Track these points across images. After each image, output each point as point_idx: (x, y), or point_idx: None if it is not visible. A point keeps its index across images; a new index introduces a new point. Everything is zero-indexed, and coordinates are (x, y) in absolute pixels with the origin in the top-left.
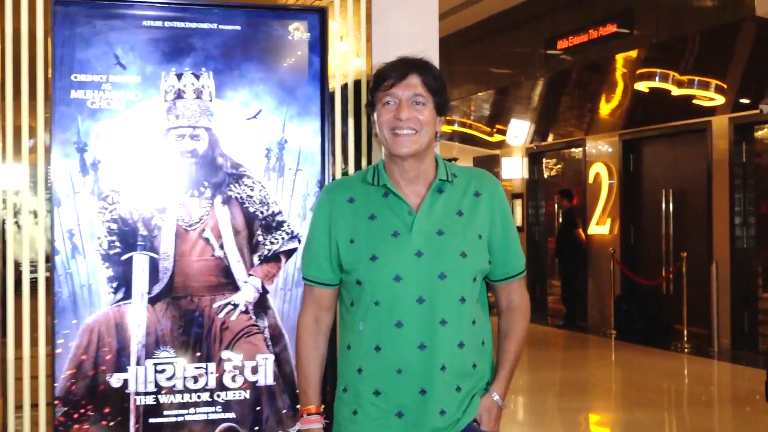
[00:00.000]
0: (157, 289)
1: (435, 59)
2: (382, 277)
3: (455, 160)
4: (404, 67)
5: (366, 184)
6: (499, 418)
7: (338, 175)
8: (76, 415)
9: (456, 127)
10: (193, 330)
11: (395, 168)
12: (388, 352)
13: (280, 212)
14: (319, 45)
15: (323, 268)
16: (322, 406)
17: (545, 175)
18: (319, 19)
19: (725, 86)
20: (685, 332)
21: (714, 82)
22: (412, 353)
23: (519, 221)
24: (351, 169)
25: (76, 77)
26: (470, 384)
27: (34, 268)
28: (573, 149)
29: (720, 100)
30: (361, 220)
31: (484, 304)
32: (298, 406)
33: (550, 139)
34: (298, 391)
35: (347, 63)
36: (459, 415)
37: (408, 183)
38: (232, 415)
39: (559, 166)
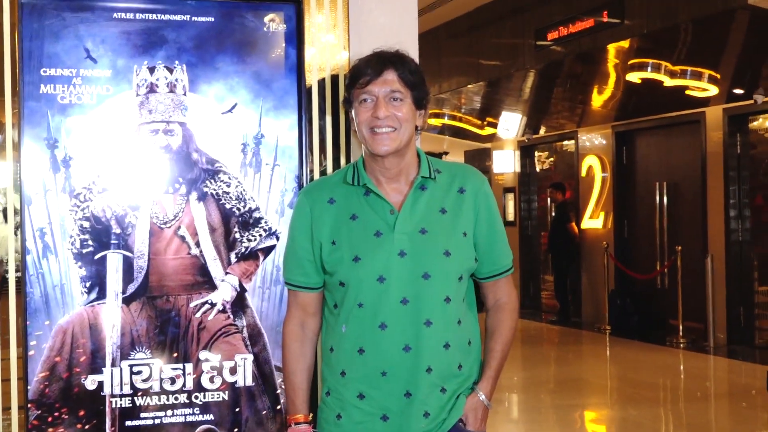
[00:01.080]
0: (131, 288)
1: (414, 52)
2: (365, 278)
3: (446, 154)
4: (379, 62)
5: (345, 184)
6: (485, 417)
7: (316, 171)
8: (50, 419)
9: (446, 121)
10: (169, 330)
11: (375, 166)
12: (372, 355)
13: (257, 209)
14: (296, 37)
15: (308, 272)
16: (311, 415)
17: (537, 169)
18: (295, 10)
19: (718, 76)
20: (681, 327)
21: (707, 72)
22: (396, 355)
23: (511, 216)
24: (330, 164)
25: (45, 71)
26: (455, 385)
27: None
28: (565, 142)
29: (713, 90)
30: (342, 220)
31: (472, 302)
32: (279, 407)
33: (542, 131)
34: (284, 401)
35: (325, 55)
36: (444, 415)
37: (389, 181)
38: (210, 416)
39: (552, 159)
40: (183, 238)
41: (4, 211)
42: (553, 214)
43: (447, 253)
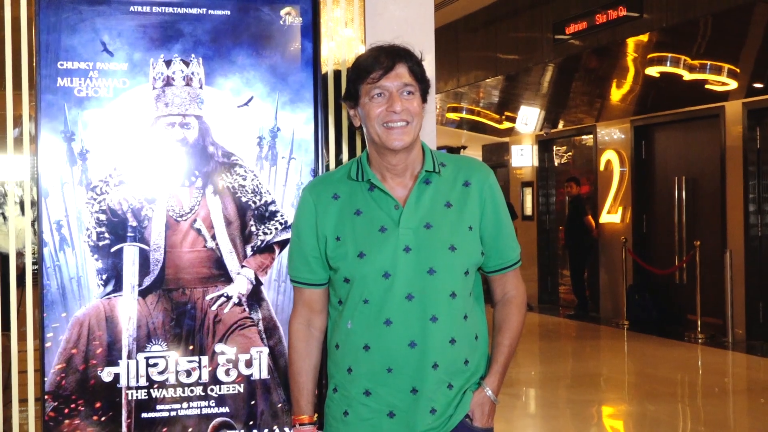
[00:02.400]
0: (147, 281)
1: (430, 45)
2: (370, 274)
3: (464, 148)
4: (390, 56)
5: (350, 180)
6: (492, 413)
7: (332, 164)
8: (66, 410)
9: (464, 115)
10: (185, 323)
11: (383, 162)
12: (378, 351)
13: (273, 202)
14: (312, 30)
15: (314, 269)
16: (315, 415)
17: (556, 163)
18: (311, 4)
19: (738, 70)
20: (699, 322)
21: (726, 66)
22: (401, 351)
23: (529, 210)
24: (345, 157)
25: (62, 65)
26: (462, 380)
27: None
28: (584, 136)
29: (733, 84)
30: (346, 216)
31: (479, 295)
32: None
33: (561, 126)
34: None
35: (341, 49)
36: (451, 411)
37: (394, 176)
38: (226, 409)
39: (570, 153)
40: (199, 231)
41: (22, 203)
42: (568, 207)
43: (452, 248)
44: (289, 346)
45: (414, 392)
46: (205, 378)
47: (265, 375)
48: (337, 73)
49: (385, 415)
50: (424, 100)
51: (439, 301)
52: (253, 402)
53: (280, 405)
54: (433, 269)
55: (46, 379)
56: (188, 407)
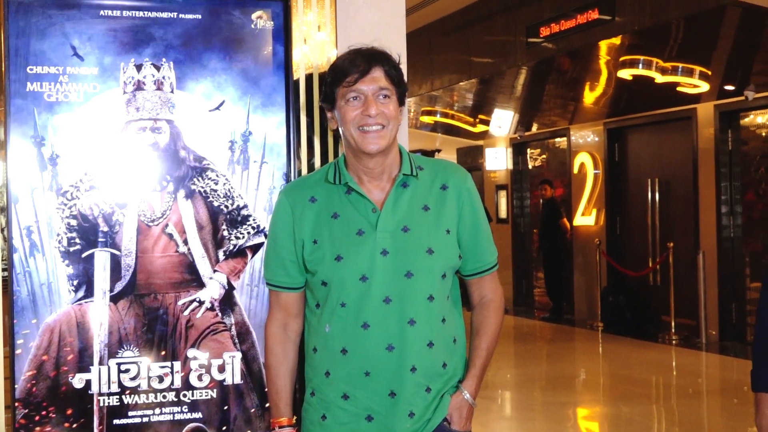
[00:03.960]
0: (119, 286)
1: (402, 49)
2: (347, 278)
3: (438, 151)
4: (366, 60)
5: (327, 183)
6: (470, 416)
7: (304, 168)
8: (37, 417)
9: (438, 118)
10: (157, 328)
11: (359, 165)
12: (355, 355)
13: (245, 206)
14: (284, 34)
15: (291, 273)
16: (294, 418)
17: (530, 166)
18: (282, 8)
19: (710, 73)
20: (673, 324)
21: (698, 68)
22: (379, 355)
23: (504, 213)
24: (318, 161)
25: (31, 69)
26: (440, 384)
27: None
28: (557, 139)
29: (704, 87)
30: (323, 219)
31: (457, 299)
32: (267, 405)
33: (534, 128)
34: (268, 405)
35: (313, 53)
36: (429, 415)
37: (371, 179)
38: (198, 415)
39: (544, 156)
40: (171, 235)
41: None
42: (541, 210)
43: (430, 251)
44: (266, 350)
45: (392, 396)
46: (178, 383)
47: (238, 380)
48: (308, 77)
49: (363, 418)
50: (401, 103)
51: (416, 304)
52: (226, 407)
53: (253, 410)
54: (411, 272)
55: (16, 386)
56: (161, 413)
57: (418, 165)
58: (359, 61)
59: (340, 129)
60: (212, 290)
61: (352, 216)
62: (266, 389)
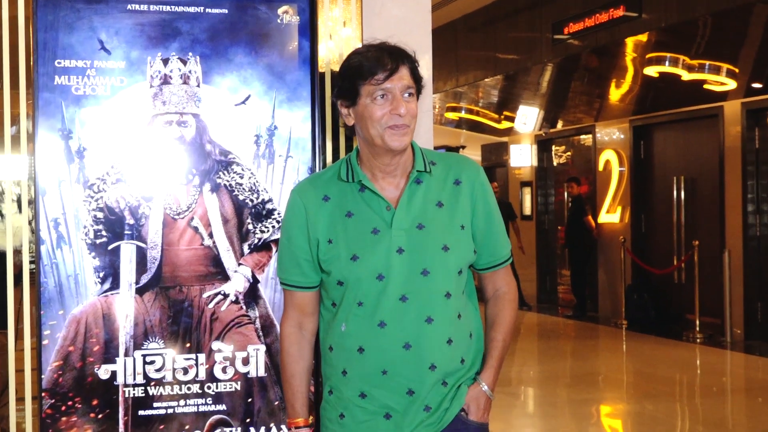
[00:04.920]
0: (145, 279)
1: (428, 44)
2: (363, 277)
3: (463, 147)
4: (393, 58)
5: (340, 181)
6: (488, 408)
7: (329, 162)
8: (63, 408)
9: (463, 114)
10: (182, 320)
11: (376, 162)
12: (372, 353)
13: (270, 200)
14: (309, 29)
15: (306, 272)
16: (311, 418)
17: (554, 163)
18: (308, 2)
19: (737, 70)
20: (697, 322)
21: (725, 66)
22: (396, 353)
23: (528, 210)
24: (342, 155)
25: (59, 63)
26: (456, 378)
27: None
28: (582, 136)
29: (732, 84)
30: (337, 218)
31: (471, 293)
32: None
33: (560, 125)
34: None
35: (339, 48)
36: (446, 405)
37: (386, 176)
38: (222, 407)
39: (569, 153)
40: (196, 229)
41: (19, 201)
42: (569, 207)
43: (446, 248)
44: (282, 350)
45: (410, 393)
46: (202, 376)
47: (262, 372)
48: (334, 73)
49: (381, 416)
50: (417, 99)
51: (433, 301)
52: (250, 399)
53: (276, 402)
54: (427, 270)
55: (43, 376)
56: (185, 405)
57: (430, 160)
58: (386, 59)
59: (356, 126)
60: (237, 283)
61: (367, 214)
62: (282, 390)
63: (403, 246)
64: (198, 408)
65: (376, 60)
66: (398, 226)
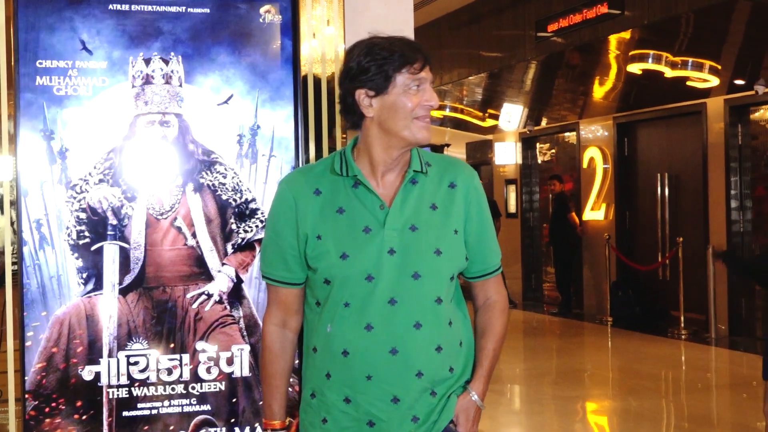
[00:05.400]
0: (128, 279)
1: None
2: (352, 276)
3: (447, 146)
4: (422, 49)
5: (333, 174)
6: (477, 419)
7: (312, 161)
8: (47, 409)
9: (448, 113)
10: (166, 321)
11: (384, 156)
12: (357, 357)
13: (253, 200)
14: (291, 28)
15: (292, 268)
16: (288, 420)
17: (539, 161)
18: (290, 2)
19: (719, 67)
20: (682, 318)
21: (708, 63)
22: (382, 358)
23: (513, 208)
24: (325, 155)
25: (41, 63)
26: (445, 388)
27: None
28: (567, 133)
29: (714, 81)
30: (328, 213)
31: (460, 300)
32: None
33: (544, 123)
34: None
35: (321, 47)
36: (435, 417)
37: (382, 174)
38: (207, 407)
39: (553, 150)
40: (179, 229)
41: (1, 202)
42: (551, 205)
43: (438, 252)
44: (263, 348)
45: (395, 401)
46: (187, 376)
47: (246, 372)
48: (316, 71)
49: (364, 424)
50: None
51: (423, 306)
52: (234, 399)
53: (261, 402)
54: (418, 273)
55: (26, 378)
56: (170, 405)
57: (426, 161)
58: (416, 49)
59: (378, 116)
60: (221, 283)
61: (359, 211)
62: (261, 389)
63: (395, 247)
64: (182, 408)
65: (411, 49)
66: (391, 226)
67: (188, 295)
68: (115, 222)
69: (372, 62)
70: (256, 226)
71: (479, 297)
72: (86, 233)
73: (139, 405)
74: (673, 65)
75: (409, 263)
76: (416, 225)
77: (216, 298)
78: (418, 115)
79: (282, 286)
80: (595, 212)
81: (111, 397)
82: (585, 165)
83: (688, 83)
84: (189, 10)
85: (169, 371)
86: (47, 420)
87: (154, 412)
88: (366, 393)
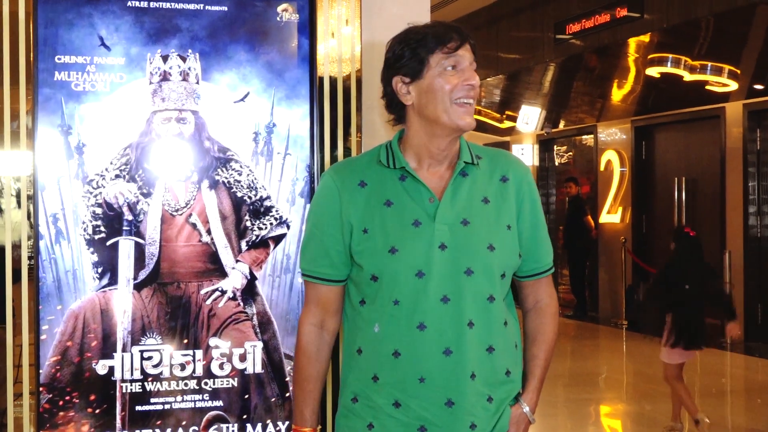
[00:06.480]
0: (143, 274)
1: None
2: (402, 272)
3: None
4: (459, 29)
5: (379, 166)
6: None
7: (327, 160)
8: (61, 402)
9: None
10: (180, 316)
11: (430, 145)
12: (409, 358)
13: (268, 197)
14: (309, 27)
15: (335, 264)
16: (319, 427)
17: (556, 163)
18: (308, 1)
19: (739, 72)
20: None
21: (727, 67)
22: (436, 359)
23: None
24: (340, 154)
25: (59, 59)
26: (503, 393)
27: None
28: (584, 136)
29: (733, 86)
30: (375, 206)
31: (511, 302)
32: (287, 394)
33: (561, 125)
34: (288, 394)
35: (339, 46)
36: (490, 427)
37: (430, 165)
38: (219, 403)
39: (570, 153)
40: (194, 225)
41: (18, 196)
42: (567, 208)
43: (491, 247)
44: (298, 349)
45: (450, 405)
46: (199, 372)
47: (259, 369)
48: (333, 71)
49: (416, 429)
50: None
51: (476, 304)
52: (246, 396)
53: (273, 399)
54: (471, 270)
55: (41, 371)
56: (182, 401)
57: (476, 153)
58: (452, 29)
59: (418, 103)
60: (234, 280)
61: (407, 204)
62: (291, 374)
63: (446, 242)
64: (195, 404)
65: (445, 29)
66: (442, 219)
67: (202, 292)
68: (130, 217)
69: (406, 47)
70: (271, 224)
71: (529, 299)
72: (102, 228)
73: (152, 400)
74: (692, 69)
75: (462, 259)
76: (468, 219)
77: (230, 294)
78: (458, 97)
79: (324, 284)
80: (611, 215)
81: (124, 391)
82: (602, 168)
83: (707, 87)
84: (207, 7)
85: (182, 366)
86: (61, 413)
87: (167, 407)
88: (418, 396)
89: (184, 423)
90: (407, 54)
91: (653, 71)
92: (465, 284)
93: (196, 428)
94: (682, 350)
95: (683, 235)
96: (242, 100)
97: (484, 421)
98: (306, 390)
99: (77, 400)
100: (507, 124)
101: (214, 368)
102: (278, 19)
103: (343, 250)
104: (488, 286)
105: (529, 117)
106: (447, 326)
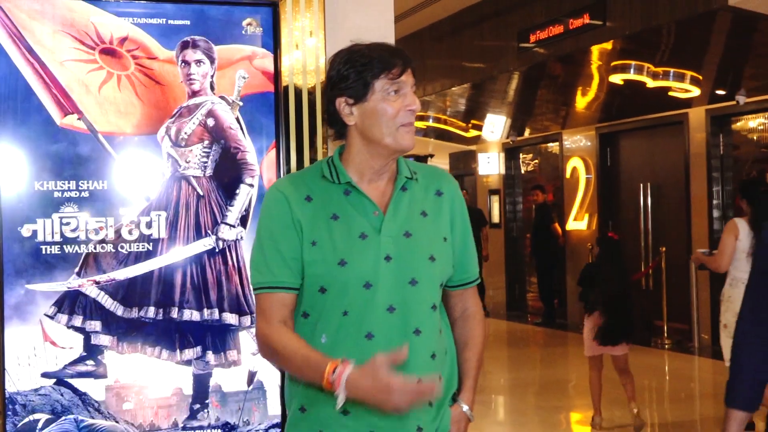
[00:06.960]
0: None
1: None
2: (351, 284)
3: (431, 156)
4: (400, 53)
5: (324, 181)
6: (467, 430)
7: (294, 171)
8: None
9: (431, 123)
10: None
11: (372, 163)
12: None
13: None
14: (273, 39)
15: (293, 271)
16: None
17: (522, 171)
18: (271, 14)
19: (701, 78)
20: (665, 328)
21: (689, 73)
22: None
23: (496, 218)
24: (307, 165)
25: None
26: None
27: None
28: (550, 144)
29: (696, 91)
30: (321, 219)
31: (443, 309)
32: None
33: (527, 133)
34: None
35: (303, 58)
36: (434, 428)
37: (371, 180)
38: None
39: (536, 161)
40: None
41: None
42: (534, 215)
43: (432, 258)
44: (274, 344)
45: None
46: None
47: None
48: (297, 83)
49: None
50: None
51: (421, 313)
52: None
53: None
54: (415, 280)
55: None
56: None
57: (413, 169)
58: (396, 54)
59: (355, 124)
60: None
61: (354, 218)
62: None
63: (391, 254)
64: None
65: (390, 54)
66: (387, 232)
67: None
68: None
69: (351, 69)
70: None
71: (457, 307)
72: None
73: None
74: (655, 76)
75: (406, 269)
76: (410, 231)
77: None
78: (403, 122)
79: (283, 292)
80: (578, 222)
81: None
82: (568, 175)
83: (670, 93)
84: (169, 22)
85: None
86: None
87: None
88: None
89: None
90: (352, 76)
91: (616, 78)
92: (410, 294)
93: None
94: (597, 344)
95: (606, 238)
96: None
97: (427, 423)
98: (301, 353)
99: None
100: (473, 133)
101: None
102: (243, 32)
103: (299, 257)
104: (431, 295)
105: (495, 125)
106: (394, 335)
